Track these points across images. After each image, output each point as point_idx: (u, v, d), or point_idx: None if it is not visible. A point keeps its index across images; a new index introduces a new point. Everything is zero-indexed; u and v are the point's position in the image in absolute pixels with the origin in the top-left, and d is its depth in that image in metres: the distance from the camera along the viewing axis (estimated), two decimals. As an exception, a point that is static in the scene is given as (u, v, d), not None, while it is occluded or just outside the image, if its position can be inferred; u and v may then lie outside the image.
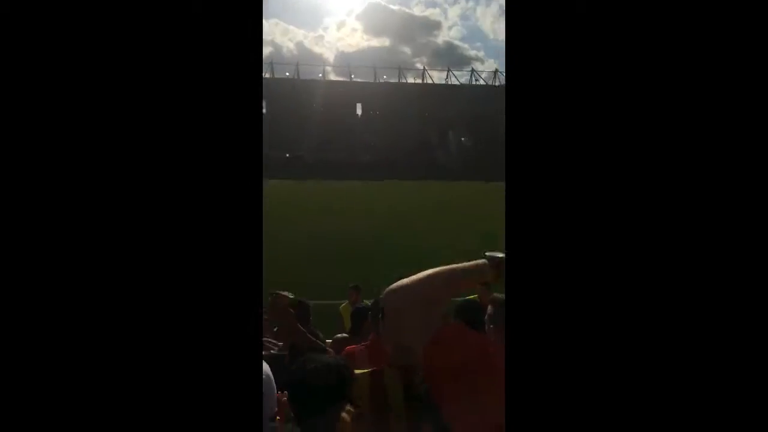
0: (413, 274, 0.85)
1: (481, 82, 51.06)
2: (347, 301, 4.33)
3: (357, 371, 1.04)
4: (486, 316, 1.53)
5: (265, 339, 2.01)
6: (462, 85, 50.72)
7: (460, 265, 0.85)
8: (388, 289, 0.86)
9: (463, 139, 47.66)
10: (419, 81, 51.39)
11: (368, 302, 3.41)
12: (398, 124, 46.72)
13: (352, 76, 50.31)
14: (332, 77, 50.68)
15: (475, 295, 2.71)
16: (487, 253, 0.85)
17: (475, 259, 0.85)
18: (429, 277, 0.83)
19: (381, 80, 50.15)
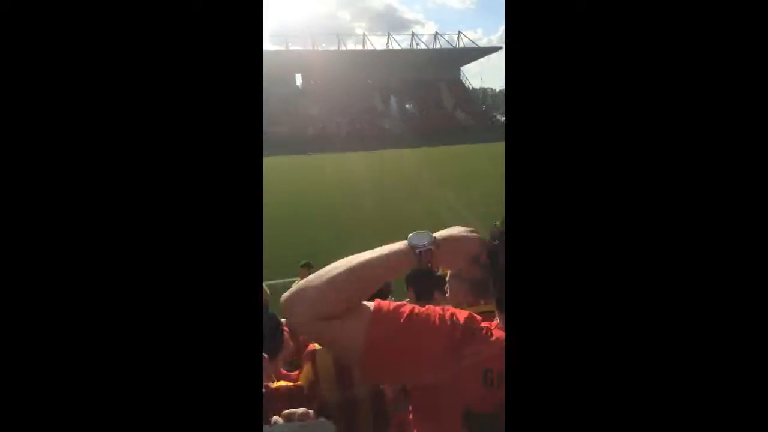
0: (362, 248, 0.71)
1: (422, 46, 50.44)
2: (298, 279, 4.23)
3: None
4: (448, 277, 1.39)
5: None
6: (403, 50, 49.86)
7: (372, 256, 0.71)
8: (283, 298, 0.70)
9: (407, 105, 47.47)
10: (360, 47, 49.89)
11: None
12: (341, 94, 45.51)
13: (290, 44, 47.77)
14: (268, 47, 47.82)
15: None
16: (411, 236, 0.72)
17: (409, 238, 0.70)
18: (330, 286, 0.68)
19: (320, 48, 48.14)
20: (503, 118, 55.18)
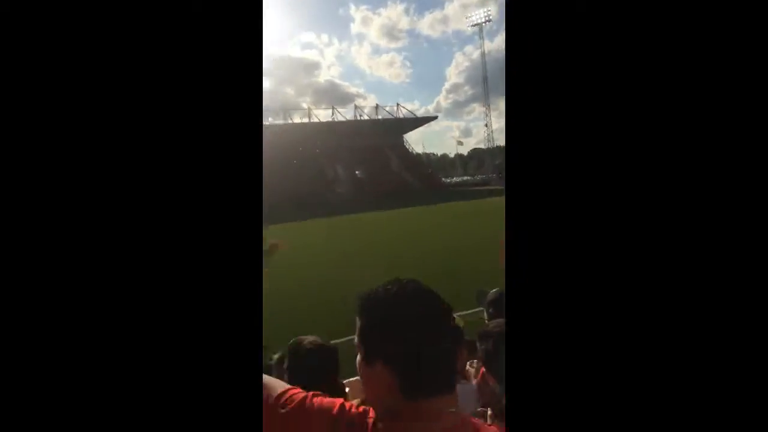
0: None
1: (365, 116, 53.65)
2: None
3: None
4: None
5: None
6: (348, 121, 52.63)
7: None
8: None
9: (357, 172, 49.10)
10: (306, 120, 52.02)
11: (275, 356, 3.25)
12: (291, 164, 46.33)
13: (236, 119, 48.67)
14: (214, 122, 48.33)
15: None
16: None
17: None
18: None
19: (267, 122, 49.51)
20: (449, 180, 58.38)
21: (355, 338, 0.66)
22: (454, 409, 0.62)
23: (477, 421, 0.67)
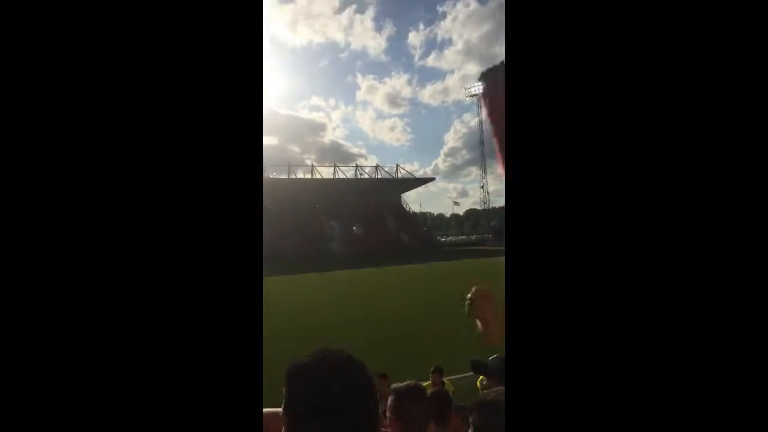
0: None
1: (365, 175, 55.73)
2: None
3: None
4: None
5: None
6: (348, 179, 54.54)
7: None
8: None
9: (354, 228, 50.06)
10: (309, 176, 53.96)
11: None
12: (290, 218, 47.43)
13: (241, 173, 50.47)
14: (220, 175, 50.04)
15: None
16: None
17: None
18: None
19: (271, 176, 51.38)
20: (445, 239, 58.97)
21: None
22: None
23: None
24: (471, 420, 1.08)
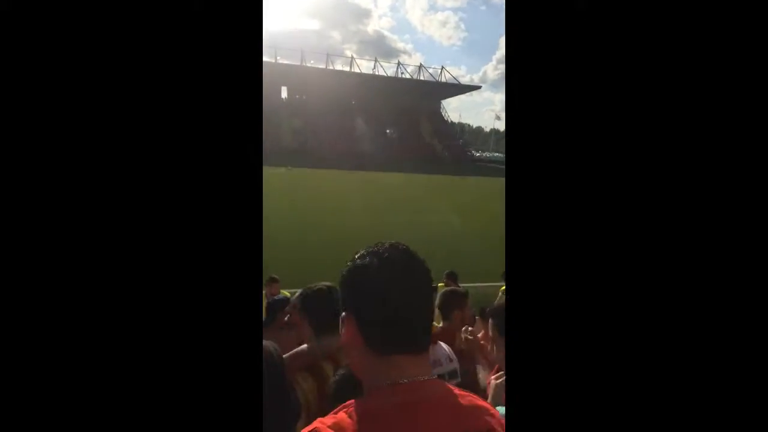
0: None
1: (407, 75, 52.42)
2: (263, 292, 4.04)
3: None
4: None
5: None
6: (388, 77, 51.56)
7: None
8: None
9: (388, 131, 48.76)
10: (347, 68, 51.20)
11: (286, 293, 3.58)
12: (324, 111, 46.28)
13: (278, 57, 48.39)
14: (256, 56, 48.21)
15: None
16: None
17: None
18: None
19: (308, 64, 49.03)
20: (477, 154, 57.30)
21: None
22: (427, 376, 0.62)
23: (466, 394, 0.65)
24: (492, 322, 1.30)
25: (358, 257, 0.66)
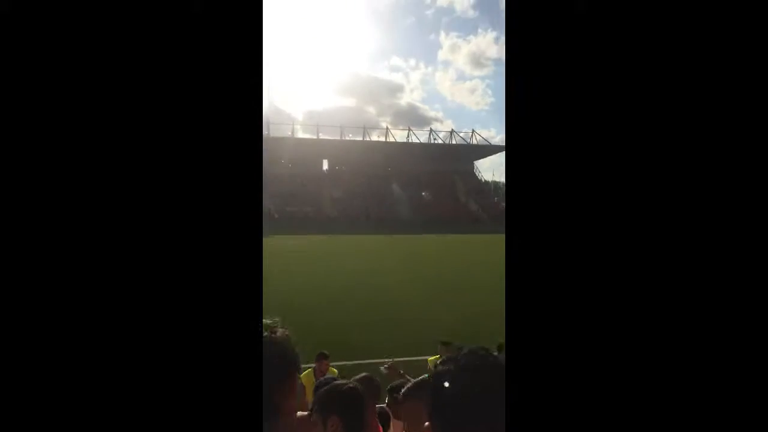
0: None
1: (439, 141, 54.92)
2: (312, 367, 3.62)
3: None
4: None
5: None
6: (422, 143, 54.20)
7: None
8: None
9: (423, 193, 50.32)
10: (383, 139, 54.55)
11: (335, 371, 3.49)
12: (362, 180, 48.93)
13: (320, 134, 52.82)
14: (300, 135, 52.93)
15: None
16: None
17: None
18: None
19: (347, 138, 52.84)
20: (515, 210, 56.35)
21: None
22: None
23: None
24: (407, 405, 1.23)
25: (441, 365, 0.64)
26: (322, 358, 3.68)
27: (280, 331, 0.92)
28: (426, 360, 3.99)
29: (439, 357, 3.53)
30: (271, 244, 22.34)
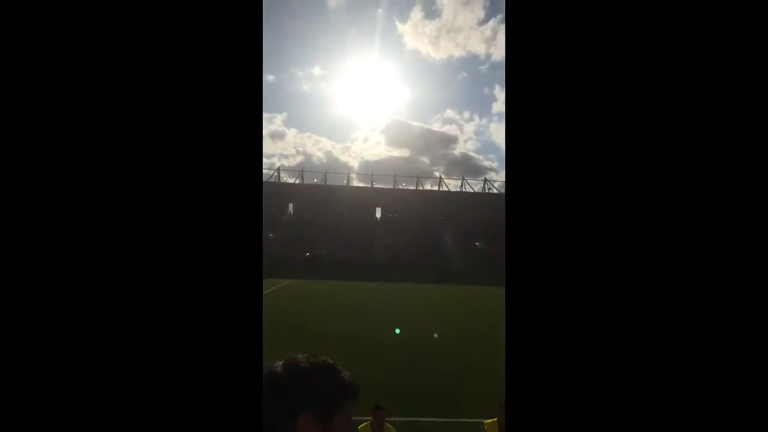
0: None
1: (494, 191, 54.16)
2: (368, 421, 3.31)
3: None
4: None
5: None
6: (476, 193, 53.81)
7: None
8: None
9: (477, 243, 49.02)
10: (436, 188, 54.96)
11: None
12: (415, 228, 48.93)
13: (374, 182, 54.43)
14: (356, 183, 54.91)
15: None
16: None
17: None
18: None
19: (400, 186, 53.92)
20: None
21: None
22: None
23: None
24: None
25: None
26: (377, 410, 3.31)
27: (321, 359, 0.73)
28: (482, 423, 3.56)
29: (496, 420, 3.29)
30: (325, 286, 22.56)
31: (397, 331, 8.36)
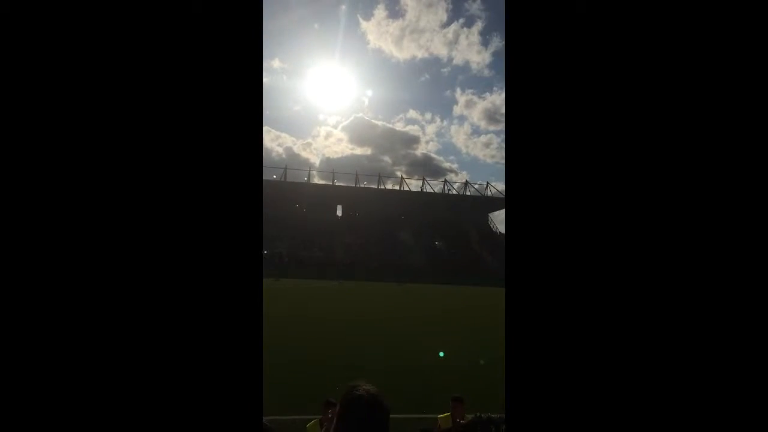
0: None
1: (453, 191, 55.45)
2: (318, 418, 3.33)
3: None
4: None
5: None
6: (436, 193, 54.75)
7: None
8: None
9: (436, 243, 50.02)
10: (397, 187, 55.38)
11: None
12: (376, 226, 49.11)
13: (335, 180, 54.03)
14: (316, 180, 54.24)
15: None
16: None
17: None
18: None
19: (362, 185, 53.86)
20: (530, 263, 55.28)
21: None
22: None
23: None
24: None
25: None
26: (326, 406, 3.19)
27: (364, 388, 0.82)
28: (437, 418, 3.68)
29: (450, 414, 3.39)
30: (281, 286, 22.13)
31: (441, 354, 8.40)
